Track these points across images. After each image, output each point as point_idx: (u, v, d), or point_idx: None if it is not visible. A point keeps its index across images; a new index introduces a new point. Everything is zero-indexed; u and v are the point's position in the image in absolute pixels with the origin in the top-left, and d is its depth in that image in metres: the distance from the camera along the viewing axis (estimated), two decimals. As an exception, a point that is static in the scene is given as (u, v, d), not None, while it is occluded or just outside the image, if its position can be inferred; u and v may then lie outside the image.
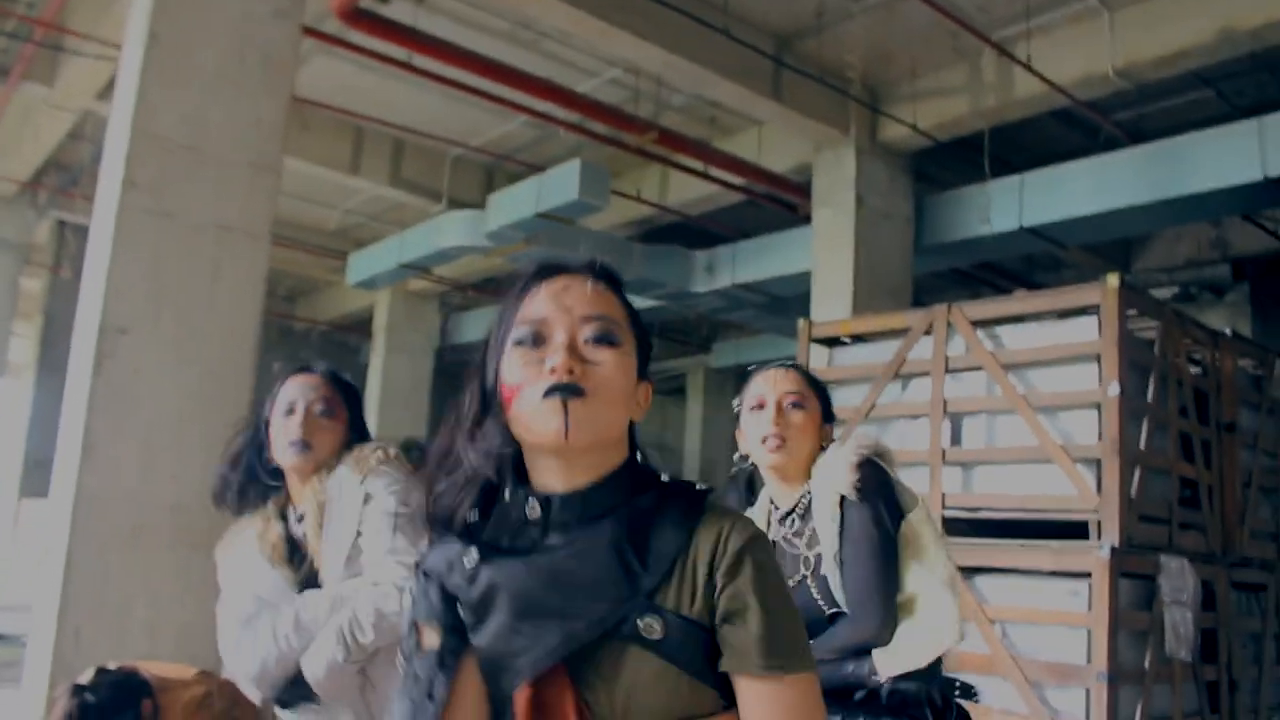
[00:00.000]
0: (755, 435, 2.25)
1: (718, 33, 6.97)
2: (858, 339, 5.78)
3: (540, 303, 1.15)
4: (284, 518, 2.34)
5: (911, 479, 4.95)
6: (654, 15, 6.81)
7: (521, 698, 1.08)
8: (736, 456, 2.36)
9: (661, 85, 8.66)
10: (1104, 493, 4.50)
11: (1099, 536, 4.48)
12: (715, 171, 9.13)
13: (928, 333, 5.20)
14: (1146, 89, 7.75)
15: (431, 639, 1.12)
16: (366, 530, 2.20)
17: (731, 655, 1.09)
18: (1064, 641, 4.51)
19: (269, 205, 5.31)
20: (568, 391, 1.09)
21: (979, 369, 4.98)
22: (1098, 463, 4.55)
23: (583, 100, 8.18)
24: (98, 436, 4.64)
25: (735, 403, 2.38)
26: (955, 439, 5.05)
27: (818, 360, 5.85)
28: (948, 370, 5.07)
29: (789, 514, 2.27)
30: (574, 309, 1.14)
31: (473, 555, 1.13)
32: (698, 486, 1.18)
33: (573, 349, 1.12)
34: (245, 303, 5.14)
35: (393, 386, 13.51)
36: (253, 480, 2.35)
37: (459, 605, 1.13)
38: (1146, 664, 4.52)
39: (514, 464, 1.17)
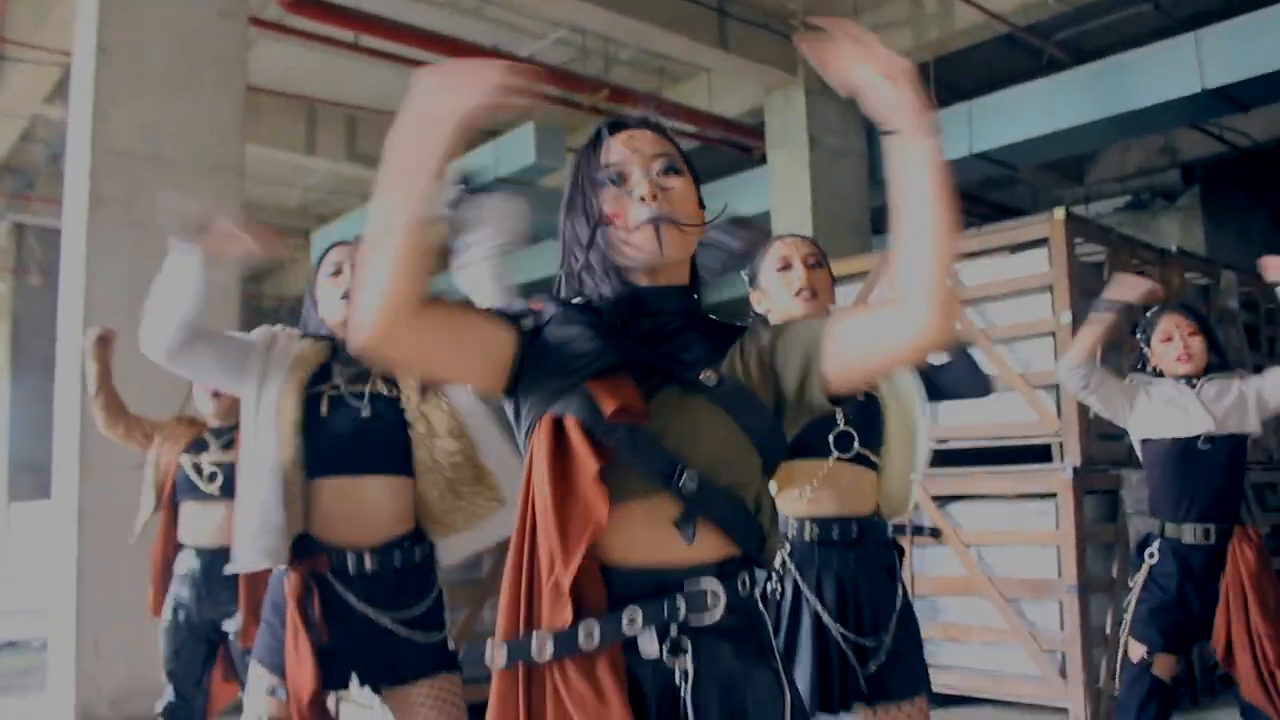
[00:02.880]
0: (786, 290, 2.46)
1: (659, -11, 7.05)
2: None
3: (616, 149, 1.40)
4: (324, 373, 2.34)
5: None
6: (595, -24, 6.88)
7: (596, 383, 1.29)
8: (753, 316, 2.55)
9: (608, 41, 8.72)
10: (1064, 416, 4.73)
11: (1062, 458, 4.72)
12: (668, 122, 9.20)
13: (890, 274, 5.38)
14: (1085, 9, 7.89)
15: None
16: None
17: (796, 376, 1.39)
18: (1035, 559, 4.76)
19: (234, 204, 5.41)
20: (659, 220, 1.35)
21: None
22: (1056, 388, 4.77)
23: (529, 65, 8.24)
24: (93, 454, 4.76)
25: (746, 271, 2.56)
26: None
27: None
28: (908, 310, 5.25)
29: None
30: (644, 150, 1.40)
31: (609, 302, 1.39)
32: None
33: (652, 179, 1.38)
34: (222, 304, 5.24)
35: (367, 357, 13.59)
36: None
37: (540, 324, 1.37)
38: (1114, 573, 4.78)
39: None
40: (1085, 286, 4.90)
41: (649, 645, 1.24)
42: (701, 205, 1.45)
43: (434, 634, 2.28)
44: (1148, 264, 5.42)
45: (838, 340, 1.34)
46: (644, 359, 1.33)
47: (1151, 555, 3.31)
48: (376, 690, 2.27)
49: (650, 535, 1.28)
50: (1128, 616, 3.36)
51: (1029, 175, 10.89)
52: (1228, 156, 10.50)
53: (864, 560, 2.39)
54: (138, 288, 4.91)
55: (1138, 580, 3.34)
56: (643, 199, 1.36)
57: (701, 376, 1.33)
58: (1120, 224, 10.89)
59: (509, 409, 1.39)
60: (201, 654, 3.60)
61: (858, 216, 8.84)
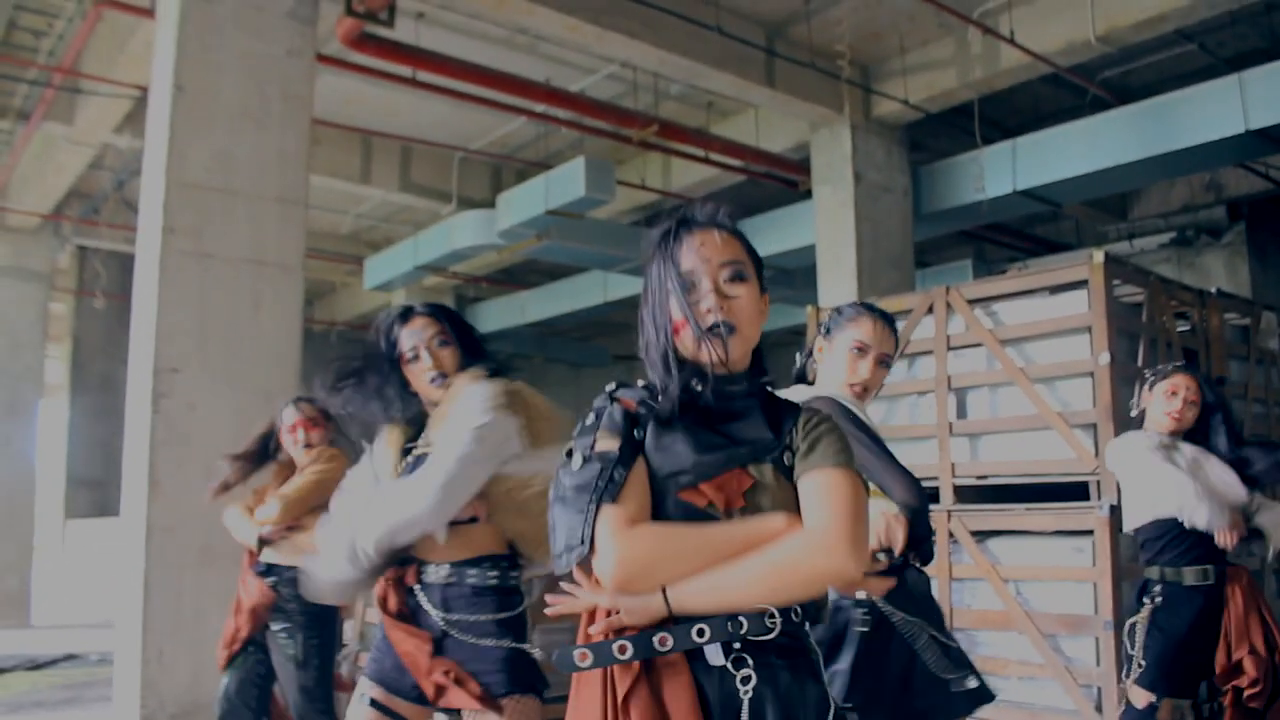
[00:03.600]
0: (848, 372, 2.65)
1: (709, 29, 7.23)
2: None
3: (686, 256, 1.55)
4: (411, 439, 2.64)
5: (922, 452, 5.29)
6: (646, 17, 7.07)
7: (708, 485, 1.49)
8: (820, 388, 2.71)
9: (658, 78, 8.92)
10: (1101, 455, 4.81)
11: (1098, 496, 4.80)
12: (715, 156, 9.40)
13: (929, 312, 5.49)
14: (1130, 50, 7.98)
15: (609, 444, 1.50)
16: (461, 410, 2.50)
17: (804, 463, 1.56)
18: (1072, 595, 4.83)
19: (299, 237, 5.62)
20: (723, 329, 1.52)
21: (979, 345, 5.28)
22: (1094, 427, 4.86)
23: (581, 100, 8.47)
24: (162, 471, 4.97)
25: (821, 329, 2.76)
26: (960, 412, 5.36)
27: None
28: (949, 348, 5.37)
29: None
30: (711, 258, 1.55)
31: (668, 396, 1.56)
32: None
33: (717, 291, 1.53)
34: (286, 330, 5.46)
35: (416, 381, 13.81)
36: (381, 399, 2.65)
37: (636, 427, 1.54)
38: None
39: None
40: (1124, 327, 5.00)
41: (715, 656, 1.42)
42: (764, 290, 1.62)
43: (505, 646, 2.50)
44: (1187, 305, 5.50)
45: None
46: (730, 460, 1.51)
47: (1156, 599, 3.45)
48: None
49: None
50: (1134, 662, 3.47)
51: (1073, 210, 10.93)
52: (1274, 193, 10.49)
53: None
54: (205, 314, 5.17)
55: (1139, 626, 3.46)
56: (709, 310, 1.52)
57: (783, 457, 1.53)
58: (1164, 260, 10.92)
59: None
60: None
61: (901, 251, 8.95)
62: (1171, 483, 3.48)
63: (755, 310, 1.57)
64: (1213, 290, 5.72)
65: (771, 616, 1.44)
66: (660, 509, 1.49)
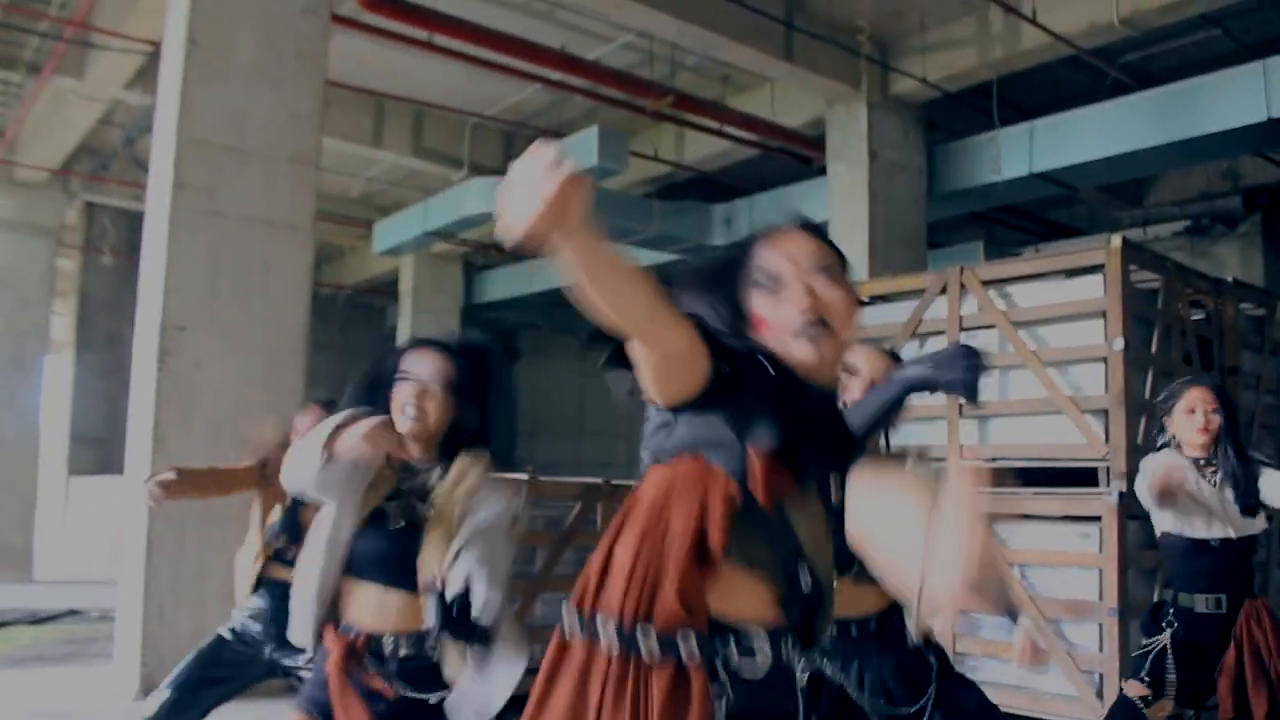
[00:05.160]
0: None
1: (729, 1, 7.15)
2: (878, 298, 6.00)
3: (774, 256, 1.46)
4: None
5: (930, 432, 5.26)
6: (666, -14, 7.01)
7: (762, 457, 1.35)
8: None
9: (675, 48, 8.83)
10: (1111, 441, 4.78)
11: (1108, 482, 4.77)
12: (730, 129, 9.32)
13: (943, 292, 5.45)
14: (1152, 33, 7.89)
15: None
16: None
17: None
18: (1078, 581, 4.81)
19: (310, 198, 5.59)
20: (818, 328, 1.41)
21: (991, 327, 5.24)
22: (1105, 413, 4.82)
23: (596, 68, 8.40)
24: (167, 428, 4.96)
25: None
26: (971, 393, 5.32)
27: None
28: (962, 328, 5.33)
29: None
30: (801, 261, 1.45)
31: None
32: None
33: (812, 293, 1.43)
34: (295, 292, 5.44)
35: (421, 348, 13.81)
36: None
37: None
38: (1154, 598, 4.82)
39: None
40: (1139, 313, 4.95)
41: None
42: (860, 302, 1.51)
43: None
44: (1202, 293, 5.45)
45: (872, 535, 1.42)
46: (819, 452, 1.41)
47: (1171, 625, 3.43)
48: None
49: (739, 594, 1.36)
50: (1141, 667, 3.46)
51: (1087, 195, 10.86)
52: (1291, 184, 10.41)
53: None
54: (215, 273, 5.14)
55: (1154, 648, 3.45)
56: (802, 311, 1.41)
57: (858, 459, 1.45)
58: (1178, 249, 10.84)
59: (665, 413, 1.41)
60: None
61: (914, 230, 8.89)
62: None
63: (852, 317, 1.47)
64: (1229, 279, 5.67)
65: (763, 652, 1.38)
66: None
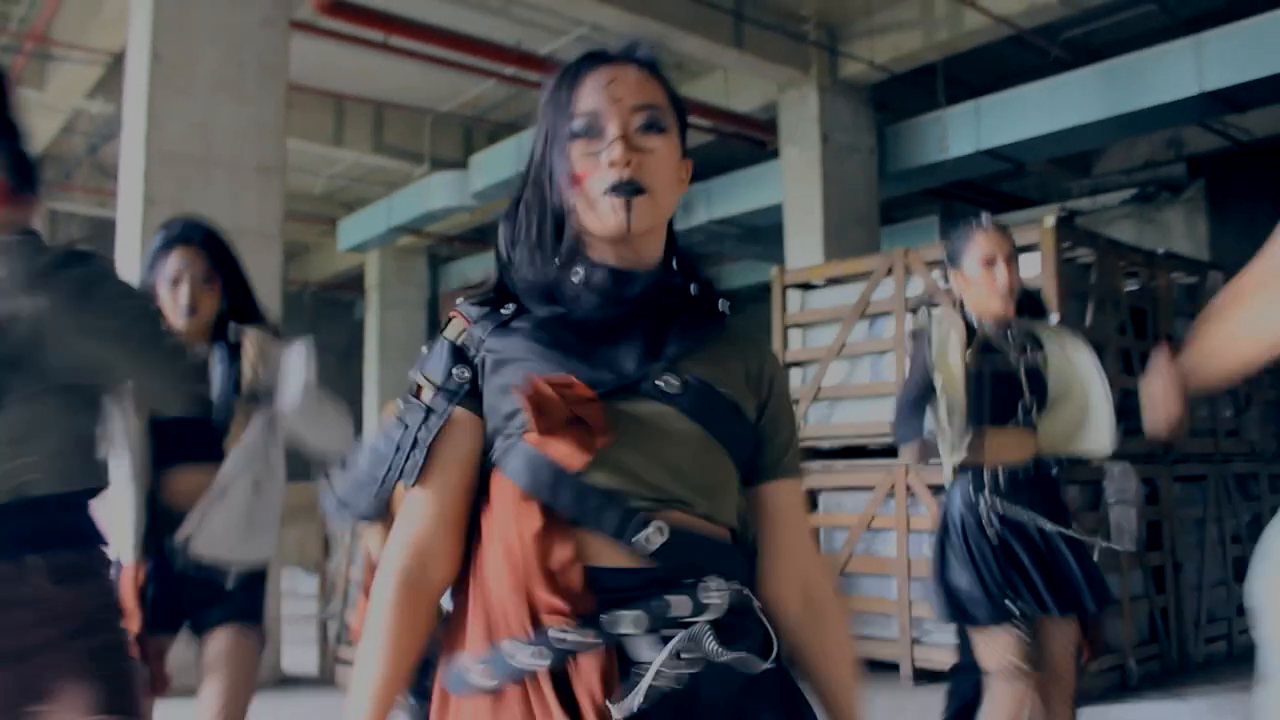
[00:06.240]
0: (990, 287, 2.79)
1: (677, -8, 7.36)
2: (832, 280, 6.23)
3: (590, 95, 1.18)
4: None
5: (882, 409, 5.51)
6: (615, -19, 7.19)
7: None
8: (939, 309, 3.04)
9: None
10: (1052, 410, 5.04)
11: (1050, 450, 5.03)
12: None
13: (889, 274, 5.69)
14: (1090, 11, 8.15)
15: (428, 393, 1.18)
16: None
17: (770, 458, 1.27)
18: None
19: (278, 205, 5.74)
20: (629, 190, 1.14)
21: (936, 305, 5.48)
22: (1045, 383, 5.08)
23: (550, 62, 8.56)
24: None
25: (944, 257, 3.03)
26: (920, 369, 5.57)
27: (792, 305, 6.33)
28: (908, 308, 5.57)
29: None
30: (624, 99, 1.18)
31: (510, 308, 1.20)
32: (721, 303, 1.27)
33: (626, 140, 1.16)
34: (265, 297, 5.55)
35: (389, 341, 14.00)
36: None
37: (474, 361, 1.19)
38: (1096, 557, 5.09)
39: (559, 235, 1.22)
40: (1075, 288, 5.21)
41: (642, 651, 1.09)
42: (686, 155, 1.27)
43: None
44: (1136, 265, 5.72)
45: (770, 517, 1.28)
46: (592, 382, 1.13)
47: None
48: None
49: (618, 552, 1.12)
50: None
51: (1037, 167, 11.13)
52: (1232, 151, 10.72)
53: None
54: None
55: None
56: (612, 164, 1.15)
57: (660, 382, 1.15)
58: (1125, 216, 11.15)
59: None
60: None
61: (867, 211, 9.14)
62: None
63: (673, 171, 1.21)
64: (1160, 251, 5.95)
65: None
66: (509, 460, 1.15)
